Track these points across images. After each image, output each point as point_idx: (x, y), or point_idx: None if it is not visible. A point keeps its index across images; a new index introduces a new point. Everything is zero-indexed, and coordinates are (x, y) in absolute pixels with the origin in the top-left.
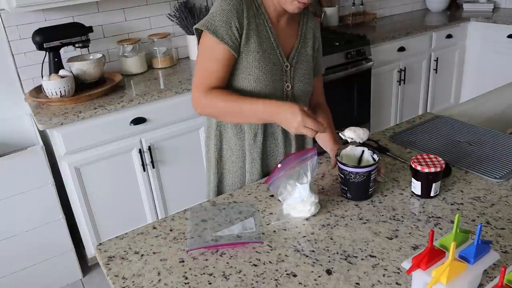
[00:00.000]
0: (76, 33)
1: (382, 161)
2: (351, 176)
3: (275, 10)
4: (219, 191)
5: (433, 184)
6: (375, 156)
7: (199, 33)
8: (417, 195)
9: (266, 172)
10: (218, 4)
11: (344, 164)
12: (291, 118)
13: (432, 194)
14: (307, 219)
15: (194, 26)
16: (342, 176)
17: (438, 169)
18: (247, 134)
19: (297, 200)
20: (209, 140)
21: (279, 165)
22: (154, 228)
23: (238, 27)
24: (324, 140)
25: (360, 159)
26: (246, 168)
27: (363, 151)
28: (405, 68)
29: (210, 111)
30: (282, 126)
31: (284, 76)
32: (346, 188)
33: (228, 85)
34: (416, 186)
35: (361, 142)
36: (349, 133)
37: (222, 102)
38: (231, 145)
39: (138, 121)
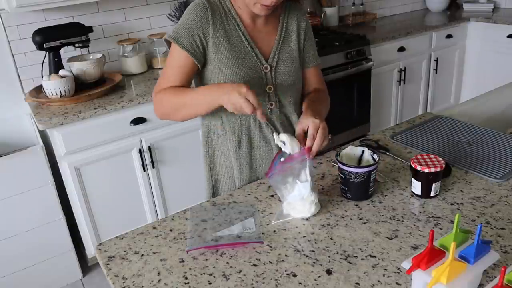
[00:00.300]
0: (76, 33)
1: (382, 161)
2: (351, 176)
3: (247, 13)
4: (215, 196)
5: (433, 184)
6: (375, 156)
7: (169, 44)
8: (417, 195)
9: (257, 178)
10: (184, 15)
11: (344, 164)
12: (233, 89)
13: (432, 194)
14: (307, 219)
15: (163, 37)
16: (342, 176)
17: (438, 169)
18: (230, 141)
19: (297, 198)
20: (202, 147)
21: (282, 159)
22: (154, 228)
23: (201, 36)
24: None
25: (360, 159)
26: (234, 174)
27: (363, 151)
28: (405, 68)
29: (162, 111)
30: (224, 105)
31: (264, 79)
32: (346, 188)
33: None
34: (416, 186)
35: (291, 153)
36: (284, 138)
37: (168, 98)
38: (223, 151)
39: (138, 121)
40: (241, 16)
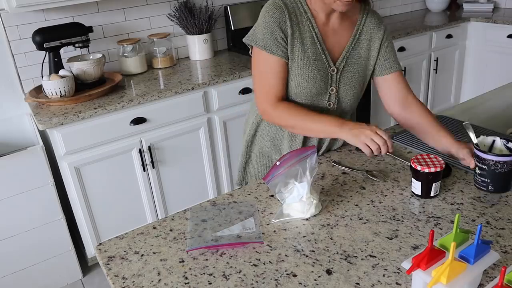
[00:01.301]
0: (76, 33)
1: (382, 161)
2: (497, 166)
3: (324, 11)
4: (244, 174)
5: (433, 184)
6: (510, 144)
7: (249, 45)
8: (417, 195)
9: None
10: (262, 17)
11: (490, 154)
12: (360, 128)
13: (432, 194)
14: (307, 219)
15: (243, 39)
16: (484, 167)
17: (438, 169)
18: (287, 132)
19: (296, 199)
20: (247, 125)
21: (277, 163)
22: (154, 228)
23: (283, 37)
24: (441, 142)
25: (490, 149)
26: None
27: (494, 140)
28: (405, 68)
29: (279, 123)
30: (347, 140)
31: (329, 80)
32: (489, 180)
33: None
34: (416, 186)
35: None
36: (303, 190)
37: (291, 118)
38: (263, 134)
39: (138, 121)
40: (316, 17)
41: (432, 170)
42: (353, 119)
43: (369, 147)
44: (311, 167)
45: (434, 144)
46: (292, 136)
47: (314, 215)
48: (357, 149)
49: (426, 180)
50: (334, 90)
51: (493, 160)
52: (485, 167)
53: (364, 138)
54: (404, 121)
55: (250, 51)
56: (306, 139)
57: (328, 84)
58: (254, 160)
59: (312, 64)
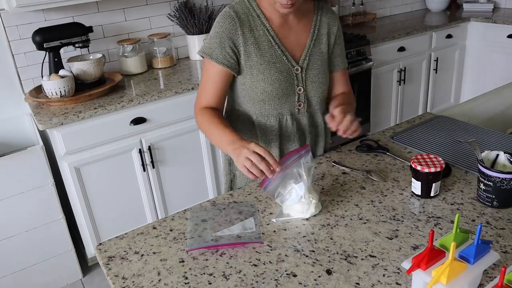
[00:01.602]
0: (76, 33)
1: (382, 161)
2: (503, 183)
3: (277, 13)
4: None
5: (433, 184)
6: None
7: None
8: (417, 195)
9: None
10: (213, 28)
11: (496, 171)
12: (240, 147)
13: (432, 194)
14: (307, 219)
15: (197, 52)
16: (490, 183)
17: (438, 169)
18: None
19: (295, 200)
20: None
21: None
22: (154, 228)
23: (232, 46)
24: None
25: (493, 163)
26: None
27: (497, 154)
28: (405, 68)
29: (199, 127)
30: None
31: (295, 80)
32: (494, 196)
33: (236, 103)
34: (416, 186)
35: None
36: (301, 191)
37: (202, 126)
38: None
39: (138, 121)
40: (271, 20)
41: (432, 170)
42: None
43: (249, 169)
44: (307, 166)
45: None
46: (269, 147)
47: (314, 215)
48: (357, 148)
49: (426, 180)
50: (302, 90)
51: (499, 178)
52: (491, 183)
53: (243, 160)
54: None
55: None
56: (282, 152)
57: (295, 84)
58: (240, 177)
59: (273, 67)
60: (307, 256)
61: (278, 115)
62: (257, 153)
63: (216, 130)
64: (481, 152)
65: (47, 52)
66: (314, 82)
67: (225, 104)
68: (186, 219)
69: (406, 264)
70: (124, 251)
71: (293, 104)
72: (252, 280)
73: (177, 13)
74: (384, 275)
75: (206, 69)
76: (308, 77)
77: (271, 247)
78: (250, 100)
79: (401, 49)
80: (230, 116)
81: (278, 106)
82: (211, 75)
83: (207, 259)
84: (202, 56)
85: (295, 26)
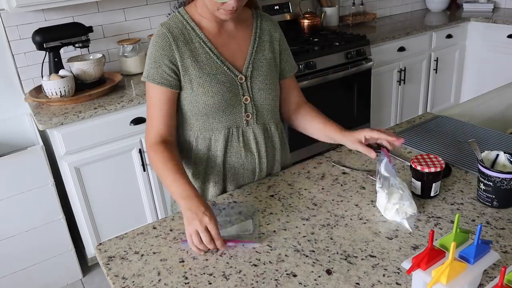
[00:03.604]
0: (76, 33)
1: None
2: (503, 183)
3: (213, 22)
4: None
5: (433, 184)
6: None
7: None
8: (417, 195)
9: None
10: (148, 49)
11: (496, 171)
12: (194, 214)
13: (432, 194)
14: (307, 219)
15: (141, 79)
16: (490, 183)
17: (438, 169)
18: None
19: (386, 202)
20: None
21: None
22: (154, 228)
23: (168, 64)
24: (328, 132)
25: (493, 163)
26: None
27: (497, 154)
28: (405, 68)
29: (151, 165)
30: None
31: (240, 90)
32: (494, 196)
33: (183, 120)
34: (416, 186)
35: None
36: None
37: (156, 167)
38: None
39: (138, 121)
40: (207, 30)
41: (432, 170)
42: (282, 133)
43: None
44: (388, 170)
45: (324, 137)
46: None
47: (314, 215)
48: None
49: (426, 180)
50: (249, 99)
51: (499, 178)
52: (491, 183)
53: (191, 229)
54: (297, 123)
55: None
56: (225, 170)
57: (240, 94)
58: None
59: (213, 79)
60: (307, 256)
61: (223, 129)
62: (207, 232)
63: (170, 175)
64: (481, 152)
65: (47, 52)
66: (261, 90)
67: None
68: None
69: (406, 264)
70: (124, 251)
71: (240, 115)
72: (252, 280)
73: None
74: (384, 275)
75: (150, 95)
76: (254, 85)
77: (271, 247)
78: (193, 115)
79: (401, 49)
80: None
81: (224, 119)
82: (154, 96)
83: (207, 259)
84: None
85: (233, 34)
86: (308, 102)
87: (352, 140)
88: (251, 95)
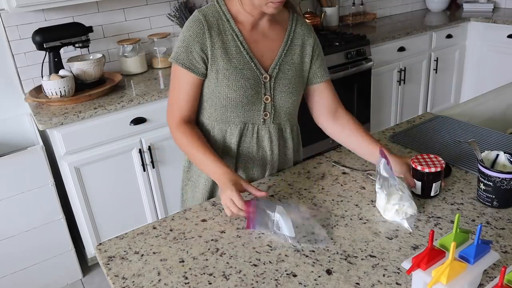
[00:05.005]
0: (76, 33)
1: None
2: (503, 183)
3: (250, 17)
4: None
5: (433, 184)
6: None
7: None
8: (417, 195)
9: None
10: (182, 33)
11: (496, 171)
12: (225, 187)
13: (432, 194)
14: (307, 219)
15: (169, 59)
16: (490, 183)
17: (438, 169)
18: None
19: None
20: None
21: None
22: (154, 228)
23: (199, 51)
24: (374, 155)
25: (493, 163)
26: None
27: (497, 154)
28: (405, 68)
29: (179, 145)
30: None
31: (262, 88)
32: (494, 196)
33: (202, 106)
34: (416, 186)
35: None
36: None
37: (185, 147)
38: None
39: (138, 121)
40: (242, 25)
41: (432, 170)
42: (298, 136)
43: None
44: (387, 171)
45: (368, 157)
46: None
47: (315, 215)
48: None
49: (427, 180)
50: (269, 99)
51: (499, 177)
52: (491, 183)
53: (224, 199)
54: (334, 132)
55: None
56: (238, 164)
57: (262, 93)
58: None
59: (239, 74)
60: (307, 256)
61: (239, 123)
62: (233, 204)
63: (200, 154)
64: (481, 152)
65: (47, 52)
66: (283, 92)
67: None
68: (186, 219)
69: (406, 264)
70: (124, 251)
71: (259, 113)
72: (252, 280)
73: (177, 13)
74: (384, 275)
75: (176, 76)
76: (277, 87)
77: (271, 247)
78: (212, 105)
79: (401, 49)
80: None
81: (242, 114)
82: (181, 79)
83: (207, 259)
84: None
85: (266, 33)
86: (345, 109)
87: (401, 163)
88: (272, 96)
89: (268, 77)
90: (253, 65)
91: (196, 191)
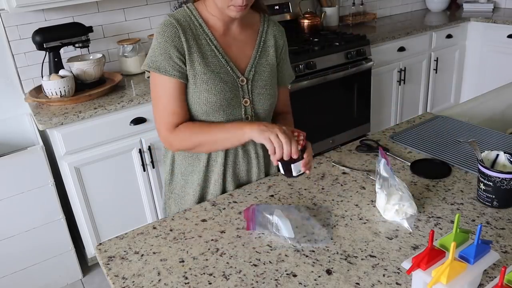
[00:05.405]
0: (76, 33)
1: None
2: (503, 183)
3: (220, 21)
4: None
5: (292, 166)
6: None
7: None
8: (282, 175)
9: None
10: (155, 39)
11: (496, 171)
12: (268, 125)
13: (294, 174)
14: (307, 219)
15: (141, 68)
16: (490, 183)
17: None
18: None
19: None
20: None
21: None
22: (154, 228)
23: (178, 55)
24: None
25: (493, 163)
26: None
27: (497, 154)
28: (405, 68)
29: (183, 147)
30: (254, 138)
31: (240, 92)
32: (494, 196)
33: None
34: (279, 166)
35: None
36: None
37: (194, 136)
38: (182, 170)
39: (138, 121)
40: (214, 29)
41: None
42: None
43: (272, 145)
44: (386, 171)
45: None
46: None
47: (314, 215)
48: (357, 148)
49: (285, 161)
50: (249, 102)
51: (499, 178)
52: (491, 183)
53: (269, 134)
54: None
55: (148, 76)
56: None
57: (240, 96)
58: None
59: (217, 77)
60: (307, 256)
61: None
62: (285, 135)
63: (219, 125)
64: (481, 152)
65: (47, 52)
66: (261, 94)
67: None
68: (186, 219)
69: (406, 264)
70: (124, 251)
71: (240, 117)
72: (252, 280)
73: None
74: (384, 275)
75: (158, 84)
76: (254, 89)
77: (271, 247)
78: (193, 112)
79: (401, 49)
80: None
81: (224, 118)
82: (166, 87)
83: (207, 259)
84: (146, 72)
85: (238, 36)
86: (291, 113)
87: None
88: (251, 99)
89: (245, 80)
90: (229, 69)
91: (182, 203)
